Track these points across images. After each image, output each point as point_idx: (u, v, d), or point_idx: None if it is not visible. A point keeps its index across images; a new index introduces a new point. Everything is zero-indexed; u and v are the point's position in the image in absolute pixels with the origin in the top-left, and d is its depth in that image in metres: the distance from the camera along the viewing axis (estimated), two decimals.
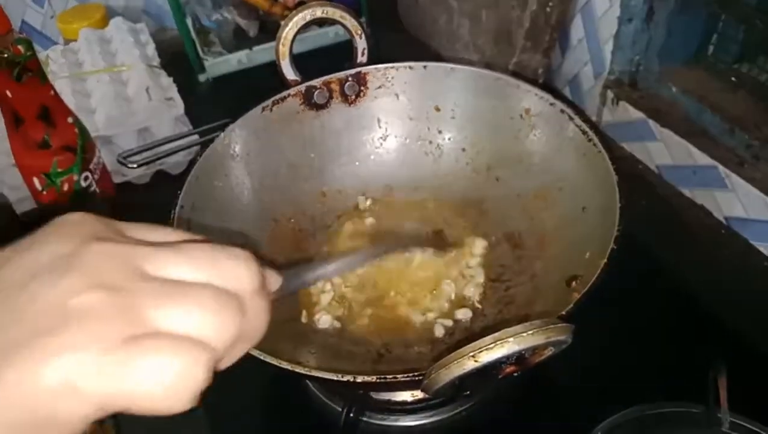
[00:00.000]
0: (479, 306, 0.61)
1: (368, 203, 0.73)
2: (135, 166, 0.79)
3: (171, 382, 0.23)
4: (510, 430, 0.59)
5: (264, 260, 0.29)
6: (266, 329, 0.29)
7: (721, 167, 0.73)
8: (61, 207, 0.74)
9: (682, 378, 0.58)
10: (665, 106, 0.81)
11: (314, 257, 0.68)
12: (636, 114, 0.83)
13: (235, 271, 0.27)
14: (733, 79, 0.77)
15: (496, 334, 0.38)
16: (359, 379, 0.44)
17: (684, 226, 0.76)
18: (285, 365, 0.45)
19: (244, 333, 0.27)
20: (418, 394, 0.59)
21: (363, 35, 0.67)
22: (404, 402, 0.59)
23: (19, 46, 0.64)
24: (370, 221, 0.71)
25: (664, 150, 0.80)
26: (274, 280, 0.32)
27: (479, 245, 0.66)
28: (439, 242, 0.66)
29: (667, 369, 0.60)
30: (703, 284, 0.69)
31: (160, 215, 0.56)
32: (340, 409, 0.57)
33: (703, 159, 0.75)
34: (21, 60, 0.65)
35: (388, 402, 0.59)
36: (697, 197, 0.77)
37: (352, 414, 0.56)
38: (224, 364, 0.28)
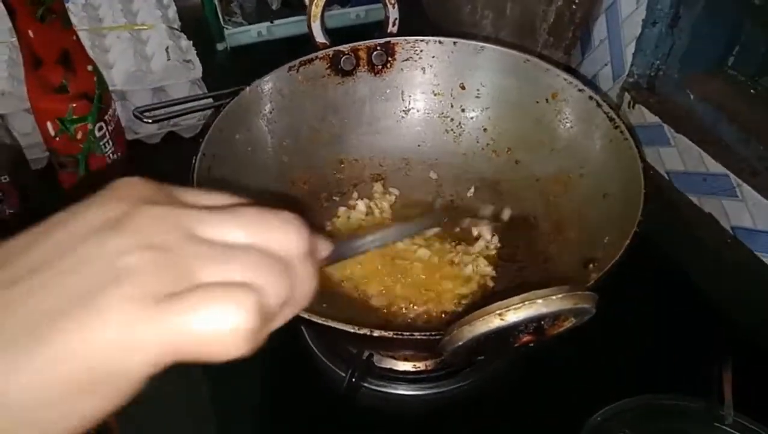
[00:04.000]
0: (491, 284, 0.61)
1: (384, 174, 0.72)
2: (150, 121, 0.78)
3: (222, 325, 0.24)
4: (510, 410, 0.59)
5: (314, 228, 0.30)
6: (313, 294, 0.29)
7: (732, 176, 0.73)
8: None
9: (685, 373, 0.58)
10: (682, 113, 0.81)
11: (325, 224, 0.67)
12: (652, 118, 0.83)
13: (285, 235, 0.27)
14: (752, 90, 0.77)
15: (524, 295, 0.38)
16: (375, 333, 0.44)
17: (690, 232, 0.77)
18: (303, 313, 0.44)
19: (291, 297, 0.27)
20: (420, 365, 0.59)
21: (396, 5, 0.67)
22: (406, 372, 0.59)
23: None
24: (382, 194, 0.70)
25: (676, 156, 0.81)
26: (324, 247, 0.32)
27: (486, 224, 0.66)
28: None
29: (671, 364, 0.60)
30: (709, 287, 0.69)
31: (170, 176, 0.56)
32: (343, 374, 0.56)
33: (715, 167, 0.75)
34: (46, 1, 0.64)
35: (391, 370, 0.59)
36: (706, 204, 0.78)
37: (354, 380, 0.56)
38: (273, 326, 0.28)
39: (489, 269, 0.62)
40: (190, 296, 0.24)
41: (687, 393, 0.55)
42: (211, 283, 0.24)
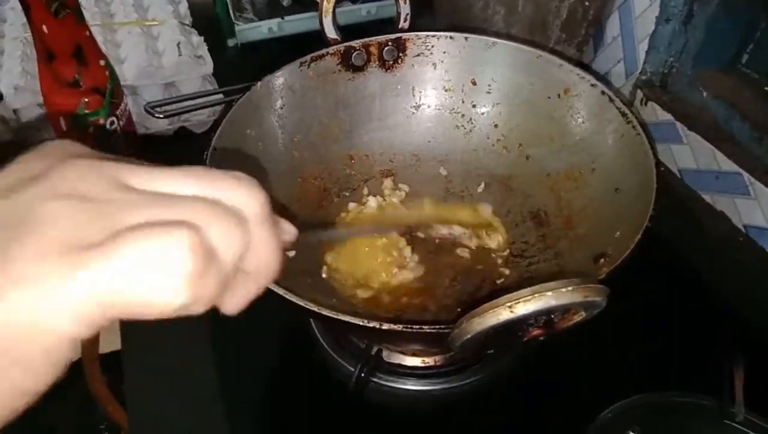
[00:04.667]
0: (500, 281, 0.61)
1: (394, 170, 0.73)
2: (161, 116, 0.79)
3: (156, 265, 0.21)
4: (518, 406, 0.59)
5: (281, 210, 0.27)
6: (278, 268, 0.27)
7: (746, 175, 0.73)
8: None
9: (694, 371, 0.58)
10: (694, 111, 0.81)
11: (336, 220, 0.67)
12: (664, 116, 0.83)
13: (240, 193, 0.25)
14: (765, 88, 0.77)
15: (535, 287, 0.38)
16: (385, 326, 0.44)
17: (702, 230, 0.76)
18: (311, 306, 0.44)
19: (250, 265, 0.25)
20: (429, 360, 0.59)
21: (408, 1, 0.67)
22: (415, 367, 0.59)
23: None
24: (392, 190, 0.71)
25: (689, 154, 0.80)
26: (288, 228, 0.29)
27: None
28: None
29: (681, 361, 0.60)
30: (721, 285, 0.69)
31: None
32: (352, 369, 0.56)
33: (727, 165, 0.75)
34: None
35: (399, 365, 0.59)
36: (718, 202, 0.77)
37: (363, 375, 0.56)
38: (236, 301, 0.26)
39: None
40: (117, 238, 0.21)
41: (697, 391, 0.55)
42: (142, 223, 0.22)
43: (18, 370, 0.21)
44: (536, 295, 0.38)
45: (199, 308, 0.23)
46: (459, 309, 0.59)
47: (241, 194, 0.25)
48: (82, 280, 0.20)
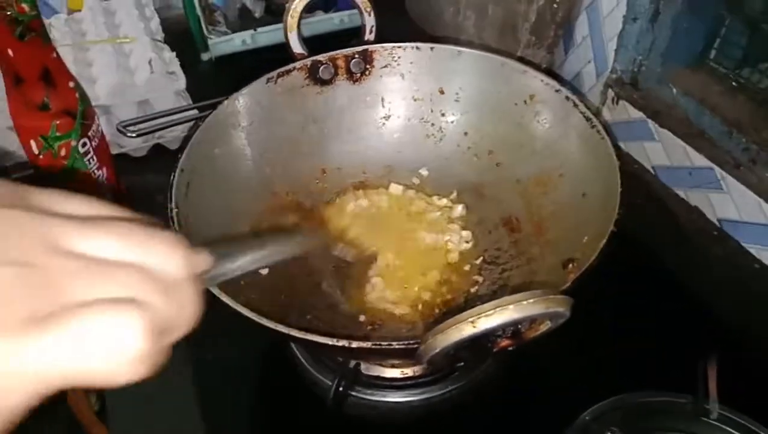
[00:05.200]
0: (473, 289, 0.61)
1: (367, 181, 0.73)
2: (134, 135, 0.79)
3: (113, 347, 0.21)
4: (497, 412, 0.59)
5: (192, 242, 0.28)
6: (196, 317, 0.27)
7: (717, 169, 0.74)
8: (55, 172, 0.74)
9: (671, 370, 0.58)
10: (665, 107, 0.81)
11: (309, 233, 0.67)
12: (635, 114, 0.83)
13: (165, 256, 0.25)
14: (734, 83, 0.77)
15: (496, 301, 0.38)
16: (354, 345, 0.44)
17: (677, 226, 0.77)
18: (282, 328, 0.44)
19: (172, 322, 0.25)
20: (408, 371, 0.59)
21: (372, 12, 0.67)
22: (393, 379, 0.59)
23: (24, 5, 0.63)
24: (363, 202, 0.71)
25: (661, 151, 0.81)
26: (202, 262, 0.29)
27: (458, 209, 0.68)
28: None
29: (657, 360, 0.60)
30: (695, 282, 0.69)
31: (158, 189, 0.56)
32: (330, 383, 0.57)
33: (700, 161, 0.75)
34: (24, 19, 0.64)
35: (378, 377, 0.59)
36: (692, 198, 0.78)
37: (341, 389, 0.56)
38: (162, 349, 0.25)
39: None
40: (68, 314, 0.21)
41: (673, 390, 0.55)
42: (92, 300, 0.22)
43: None
44: (498, 309, 0.38)
45: (147, 374, 0.23)
46: (431, 320, 0.59)
47: (170, 260, 0.25)
48: (31, 359, 0.20)
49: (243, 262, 0.34)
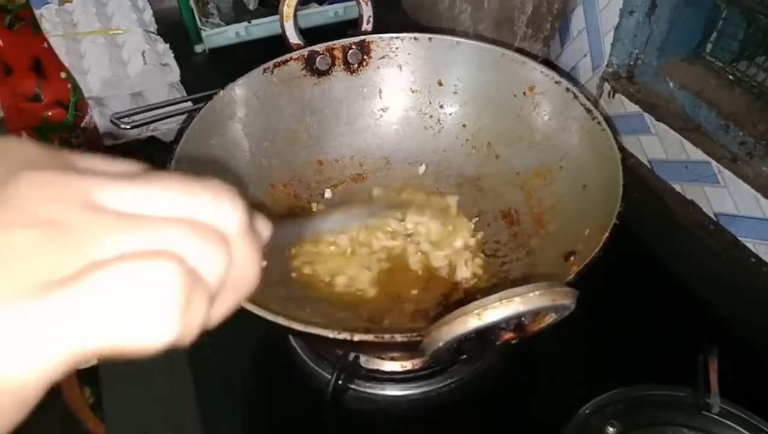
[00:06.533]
0: (474, 282, 0.61)
1: (365, 174, 0.72)
2: (128, 127, 0.77)
3: (141, 301, 0.19)
4: (497, 405, 0.59)
5: (254, 206, 0.25)
6: (257, 279, 0.25)
7: (714, 163, 0.73)
8: None
9: (670, 363, 0.58)
10: (661, 101, 0.81)
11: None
12: (632, 107, 0.83)
13: (219, 208, 0.23)
14: (730, 76, 0.77)
15: (502, 293, 0.38)
16: (357, 338, 0.43)
17: (673, 220, 0.77)
18: (282, 321, 0.43)
19: (231, 280, 0.23)
20: (408, 365, 0.59)
21: (369, 3, 0.66)
22: (393, 372, 0.59)
23: None
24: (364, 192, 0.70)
25: (657, 144, 0.81)
26: (264, 227, 0.27)
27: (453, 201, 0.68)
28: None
29: (653, 354, 0.60)
30: (692, 276, 0.69)
31: None
32: (329, 376, 0.56)
33: (696, 154, 0.75)
34: (13, 8, 0.63)
35: (377, 371, 0.59)
36: (688, 192, 0.78)
37: (340, 382, 0.55)
38: (215, 316, 0.24)
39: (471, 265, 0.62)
40: (94, 272, 0.19)
41: (673, 383, 0.55)
42: (120, 254, 0.20)
43: None
44: (504, 301, 0.38)
45: (187, 340, 0.21)
46: (432, 313, 0.59)
47: (221, 210, 0.23)
48: (55, 324, 0.18)
49: (300, 229, 0.33)
